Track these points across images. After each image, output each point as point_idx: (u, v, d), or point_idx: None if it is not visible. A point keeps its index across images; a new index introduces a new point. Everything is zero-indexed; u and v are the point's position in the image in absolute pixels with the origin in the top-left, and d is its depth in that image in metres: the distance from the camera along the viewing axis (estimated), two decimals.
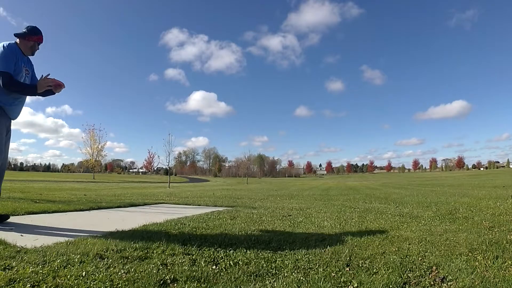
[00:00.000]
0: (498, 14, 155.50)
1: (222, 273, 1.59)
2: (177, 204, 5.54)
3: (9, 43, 2.60)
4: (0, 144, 2.55)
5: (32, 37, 2.72)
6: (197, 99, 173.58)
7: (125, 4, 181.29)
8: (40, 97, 2.84)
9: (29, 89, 2.67)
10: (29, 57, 2.84)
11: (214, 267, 1.67)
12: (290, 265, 1.74)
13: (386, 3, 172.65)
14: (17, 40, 2.70)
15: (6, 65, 2.50)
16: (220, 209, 4.59)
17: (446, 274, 1.60)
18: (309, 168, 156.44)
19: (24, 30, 2.70)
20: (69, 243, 1.99)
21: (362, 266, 1.74)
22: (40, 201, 4.92)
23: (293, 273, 1.61)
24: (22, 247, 1.86)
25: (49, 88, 2.72)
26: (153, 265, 1.62)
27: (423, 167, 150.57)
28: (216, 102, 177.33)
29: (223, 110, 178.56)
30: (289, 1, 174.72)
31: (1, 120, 2.56)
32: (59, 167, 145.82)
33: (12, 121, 2.74)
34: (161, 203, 5.65)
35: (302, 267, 1.71)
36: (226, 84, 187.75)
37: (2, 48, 2.53)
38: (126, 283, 1.38)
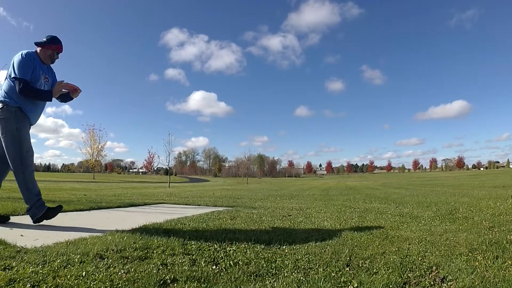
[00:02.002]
0: (498, 14, 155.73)
1: (222, 273, 1.58)
2: (177, 204, 5.54)
3: (27, 52, 2.72)
4: (29, 144, 2.71)
5: (51, 46, 2.83)
6: (197, 99, 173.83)
7: (125, 4, 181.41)
8: (59, 102, 3.01)
9: (45, 95, 2.81)
10: (51, 65, 2.95)
11: (214, 267, 1.67)
12: (290, 265, 1.74)
13: (386, 3, 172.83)
14: (38, 49, 2.82)
15: (23, 72, 2.61)
16: (220, 209, 4.58)
17: (446, 274, 1.60)
18: (309, 168, 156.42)
19: (44, 39, 2.81)
20: (69, 243, 1.99)
21: (362, 266, 1.74)
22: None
23: (293, 273, 1.61)
24: (22, 247, 1.86)
25: (64, 92, 2.88)
26: (153, 265, 1.61)
27: (423, 167, 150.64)
28: (216, 102, 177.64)
29: (223, 110, 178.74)
30: (289, 1, 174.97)
31: (25, 123, 2.71)
32: (59, 167, 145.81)
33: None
34: (161, 203, 5.64)
35: (302, 267, 1.71)
36: (226, 84, 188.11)
37: (20, 56, 2.65)
38: (126, 283, 1.38)
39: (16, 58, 2.65)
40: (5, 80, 2.69)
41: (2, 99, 2.64)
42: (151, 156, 63.66)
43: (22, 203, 4.16)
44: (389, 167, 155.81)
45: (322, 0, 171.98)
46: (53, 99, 2.87)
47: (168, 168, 25.12)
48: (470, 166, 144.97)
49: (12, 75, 2.62)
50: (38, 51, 2.81)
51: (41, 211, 2.69)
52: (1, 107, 2.62)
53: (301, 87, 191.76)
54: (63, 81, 2.87)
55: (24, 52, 2.70)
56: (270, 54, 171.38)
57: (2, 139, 2.64)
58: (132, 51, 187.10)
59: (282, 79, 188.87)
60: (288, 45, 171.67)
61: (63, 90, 2.92)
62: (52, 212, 2.76)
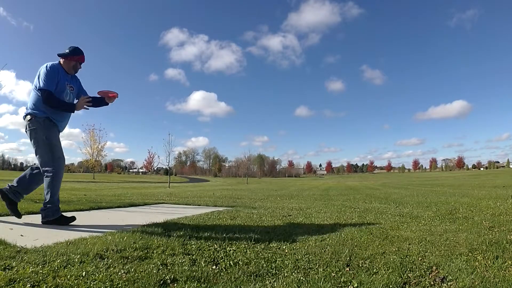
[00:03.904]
0: (498, 14, 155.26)
1: (222, 273, 1.59)
2: (177, 204, 5.54)
3: (52, 64, 2.83)
4: (60, 151, 2.87)
5: (73, 57, 2.95)
6: (197, 99, 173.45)
7: (125, 4, 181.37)
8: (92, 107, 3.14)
9: (68, 107, 2.90)
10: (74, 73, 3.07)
11: (214, 267, 1.67)
12: (290, 265, 1.74)
13: (386, 3, 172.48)
14: (61, 60, 2.93)
15: (47, 84, 2.73)
16: (220, 209, 4.59)
17: (446, 274, 1.60)
18: (309, 168, 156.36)
19: (66, 51, 2.92)
20: (69, 243, 1.99)
21: (362, 266, 1.74)
22: (40, 201, 4.90)
23: (293, 273, 1.61)
24: (22, 247, 1.86)
25: (86, 109, 3.03)
26: (153, 265, 1.62)
27: (423, 167, 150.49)
28: (216, 102, 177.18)
29: (223, 110, 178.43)
30: (289, 1, 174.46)
31: (54, 131, 2.86)
32: None
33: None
34: (161, 203, 5.65)
35: (302, 267, 1.71)
36: (226, 84, 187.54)
37: (45, 69, 2.77)
38: (126, 283, 1.38)
39: (42, 70, 2.77)
40: (32, 92, 2.82)
41: (30, 111, 2.78)
42: (151, 156, 63.53)
43: (22, 203, 4.16)
44: (389, 167, 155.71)
45: (322, 0, 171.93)
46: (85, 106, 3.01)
47: (168, 168, 25.13)
48: (470, 166, 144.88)
49: (38, 86, 2.74)
50: (61, 62, 2.92)
51: (55, 216, 2.80)
52: (30, 119, 2.77)
53: (301, 87, 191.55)
54: (89, 97, 3.01)
55: (49, 64, 2.81)
56: (270, 54, 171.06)
57: (34, 148, 2.80)
58: (132, 51, 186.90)
59: (282, 79, 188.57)
60: (288, 45, 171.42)
61: (85, 106, 3.04)
62: (65, 220, 2.83)
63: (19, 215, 2.84)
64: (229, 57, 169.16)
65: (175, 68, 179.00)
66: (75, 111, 2.96)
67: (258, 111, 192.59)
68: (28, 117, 2.78)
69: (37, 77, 2.78)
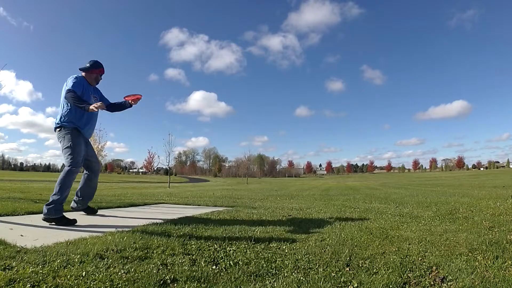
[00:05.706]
0: (498, 14, 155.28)
1: (222, 273, 1.59)
2: (177, 204, 5.53)
3: (77, 76, 3.14)
4: (80, 157, 3.10)
5: (94, 70, 3.26)
6: (197, 99, 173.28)
7: (125, 4, 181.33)
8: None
9: (82, 105, 2.97)
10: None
11: (214, 267, 1.67)
12: (290, 265, 1.74)
13: (386, 3, 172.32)
14: (83, 73, 3.22)
15: (74, 86, 2.99)
16: (220, 209, 4.58)
17: (446, 274, 1.60)
18: (309, 168, 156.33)
19: (87, 65, 3.21)
20: (69, 243, 1.99)
21: (362, 266, 1.74)
22: (40, 201, 4.91)
23: (293, 273, 1.61)
24: (22, 247, 1.86)
25: (103, 108, 3.12)
26: (153, 265, 1.62)
27: (423, 167, 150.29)
28: (216, 102, 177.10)
29: (223, 110, 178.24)
30: (290, 1, 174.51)
31: (79, 139, 3.13)
32: (59, 167, 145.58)
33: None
34: (161, 203, 5.64)
35: (302, 267, 1.71)
36: (226, 84, 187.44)
37: (72, 78, 3.07)
38: (126, 283, 1.38)
39: (69, 80, 3.05)
40: (60, 105, 3.08)
41: (59, 123, 3.08)
42: (151, 156, 63.06)
43: (22, 203, 4.17)
44: (389, 167, 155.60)
45: (322, 0, 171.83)
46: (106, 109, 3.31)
47: (168, 168, 25.14)
48: (470, 166, 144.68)
49: (66, 89, 2.96)
50: (84, 75, 3.21)
51: (56, 215, 2.83)
52: (60, 129, 3.10)
53: (301, 87, 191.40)
54: (106, 105, 3.24)
55: (75, 76, 3.11)
56: (270, 54, 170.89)
57: (62, 152, 3.11)
58: (132, 51, 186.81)
59: (282, 79, 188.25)
60: (288, 45, 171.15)
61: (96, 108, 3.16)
62: (66, 221, 2.84)
63: (95, 211, 3.60)
64: (229, 57, 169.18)
65: (175, 68, 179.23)
66: (89, 109, 2.94)
67: (258, 111, 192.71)
68: (58, 129, 3.10)
69: (64, 88, 3.02)
